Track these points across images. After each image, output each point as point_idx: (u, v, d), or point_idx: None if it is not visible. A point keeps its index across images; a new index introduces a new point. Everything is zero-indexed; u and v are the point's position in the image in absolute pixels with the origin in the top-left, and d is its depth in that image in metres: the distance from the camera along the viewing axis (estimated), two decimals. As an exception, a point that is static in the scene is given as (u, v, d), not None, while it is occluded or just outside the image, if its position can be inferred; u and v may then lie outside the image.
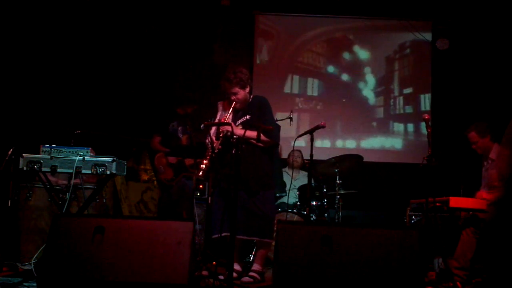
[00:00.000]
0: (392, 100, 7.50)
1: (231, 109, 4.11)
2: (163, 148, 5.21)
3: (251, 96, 4.31)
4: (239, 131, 3.94)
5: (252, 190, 4.09)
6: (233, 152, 3.65)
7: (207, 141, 4.05)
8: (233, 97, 4.14)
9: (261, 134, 3.83)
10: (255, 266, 4.21)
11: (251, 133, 3.89)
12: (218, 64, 7.21)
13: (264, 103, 4.26)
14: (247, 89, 4.20)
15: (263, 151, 4.18)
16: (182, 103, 5.43)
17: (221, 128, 3.98)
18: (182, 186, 5.16)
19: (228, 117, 4.07)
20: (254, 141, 3.95)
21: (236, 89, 4.12)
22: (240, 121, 4.19)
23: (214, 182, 4.21)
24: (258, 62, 7.55)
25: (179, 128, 5.29)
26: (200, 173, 3.91)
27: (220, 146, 3.99)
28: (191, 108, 5.40)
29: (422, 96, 7.42)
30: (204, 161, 3.94)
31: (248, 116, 4.17)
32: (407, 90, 7.47)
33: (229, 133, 3.93)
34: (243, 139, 3.77)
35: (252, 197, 4.09)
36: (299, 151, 6.20)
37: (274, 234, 4.21)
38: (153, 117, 6.21)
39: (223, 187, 4.12)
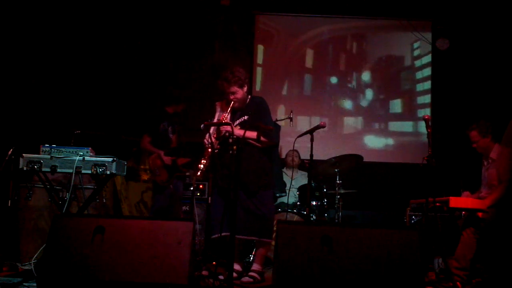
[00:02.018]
0: (392, 99, 7.50)
1: (230, 108, 4.11)
2: (153, 148, 5.15)
3: (249, 97, 4.31)
4: (238, 131, 3.93)
5: (250, 190, 4.09)
6: (232, 152, 3.65)
7: (205, 140, 4.04)
8: (231, 97, 4.14)
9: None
10: (255, 266, 4.21)
11: (251, 134, 3.89)
12: (218, 63, 7.20)
13: (261, 104, 4.26)
14: (245, 88, 4.20)
15: (262, 151, 4.18)
16: (172, 102, 5.35)
17: (221, 128, 3.98)
18: (173, 190, 5.13)
19: (227, 117, 4.07)
20: (253, 142, 3.95)
21: (235, 88, 4.12)
22: (238, 121, 4.18)
23: (214, 182, 4.21)
24: (258, 61, 7.54)
25: (169, 128, 5.24)
26: (199, 173, 3.91)
27: (218, 146, 3.99)
28: (181, 106, 5.34)
29: (422, 96, 7.42)
30: (202, 161, 3.94)
31: (246, 117, 4.17)
32: (407, 90, 7.47)
33: (227, 134, 3.93)
34: (242, 139, 3.76)
35: (251, 197, 4.09)
36: (297, 150, 6.19)
37: (274, 234, 4.22)
38: (146, 117, 6.17)
39: (222, 187, 4.12)
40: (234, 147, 3.61)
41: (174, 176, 5.11)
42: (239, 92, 4.15)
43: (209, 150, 3.95)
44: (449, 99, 7.22)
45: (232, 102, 4.13)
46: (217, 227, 3.97)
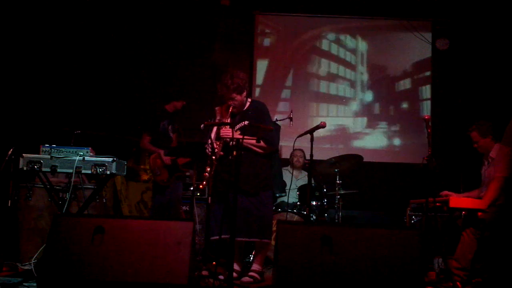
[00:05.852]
0: (392, 99, 7.50)
1: (229, 114, 4.15)
2: (153, 147, 5.12)
3: (249, 101, 4.32)
4: (239, 136, 3.93)
5: (250, 193, 4.09)
6: (231, 157, 3.67)
7: (207, 148, 4.05)
8: (229, 102, 4.17)
9: (261, 141, 3.88)
10: (255, 266, 4.22)
11: (252, 141, 3.91)
12: (218, 63, 7.20)
13: (261, 109, 4.28)
14: (244, 94, 4.23)
15: (262, 155, 4.20)
16: (170, 100, 5.27)
17: (222, 134, 4.01)
18: (173, 189, 5.12)
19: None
20: (255, 148, 4.03)
21: (233, 95, 4.15)
22: (237, 126, 4.18)
23: (213, 186, 4.21)
24: (257, 62, 7.54)
25: (169, 127, 5.21)
26: (204, 182, 3.92)
27: (222, 152, 4.01)
28: (180, 104, 5.28)
29: (422, 96, 7.42)
30: (207, 169, 3.95)
31: (245, 122, 4.18)
32: (407, 90, 7.47)
33: (228, 139, 3.94)
34: (242, 145, 3.77)
35: (251, 198, 4.09)
36: (302, 150, 6.19)
37: (274, 235, 4.22)
38: (145, 116, 6.15)
39: (221, 190, 4.12)
40: (234, 152, 3.63)
41: (175, 176, 5.10)
42: (238, 98, 4.19)
43: (213, 158, 3.96)
44: (449, 99, 7.22)
45: (231, 107, 4.17)
46: (217, 229, 3.97)
